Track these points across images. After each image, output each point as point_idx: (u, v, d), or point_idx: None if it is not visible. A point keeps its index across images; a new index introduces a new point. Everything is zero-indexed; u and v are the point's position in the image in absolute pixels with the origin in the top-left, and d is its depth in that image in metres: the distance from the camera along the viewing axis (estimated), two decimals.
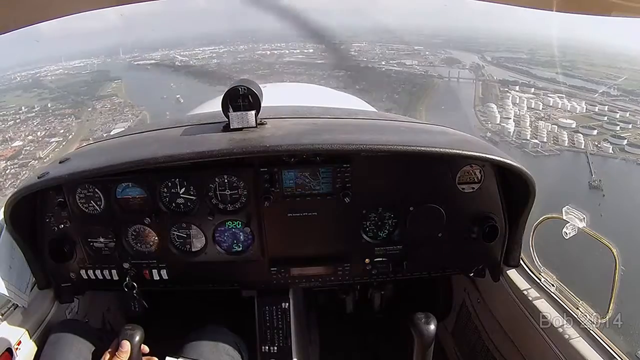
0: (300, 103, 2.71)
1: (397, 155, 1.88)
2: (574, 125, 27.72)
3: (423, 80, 37.98)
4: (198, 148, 1.71)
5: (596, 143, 26.17)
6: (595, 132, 26.99)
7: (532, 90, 33.05)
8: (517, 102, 31.02)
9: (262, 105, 1.80)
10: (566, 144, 26.53)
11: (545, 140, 26.82)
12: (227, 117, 1.80)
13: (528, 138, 27.05)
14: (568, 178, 21.99)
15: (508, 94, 32.77)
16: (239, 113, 1.79)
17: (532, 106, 30.41)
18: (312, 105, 2.60)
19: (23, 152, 27.25)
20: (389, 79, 38.59)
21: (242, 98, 1.77)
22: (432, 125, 2.27)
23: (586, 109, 29.42)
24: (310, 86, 5.27)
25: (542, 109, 30.24)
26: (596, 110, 29.05)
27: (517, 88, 33.74)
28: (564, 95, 30.82)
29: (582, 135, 26.42)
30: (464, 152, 1.79)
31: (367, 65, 41.36)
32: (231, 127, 1.81)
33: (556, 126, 27.75)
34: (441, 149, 1.76)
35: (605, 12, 1.19)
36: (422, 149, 1.76)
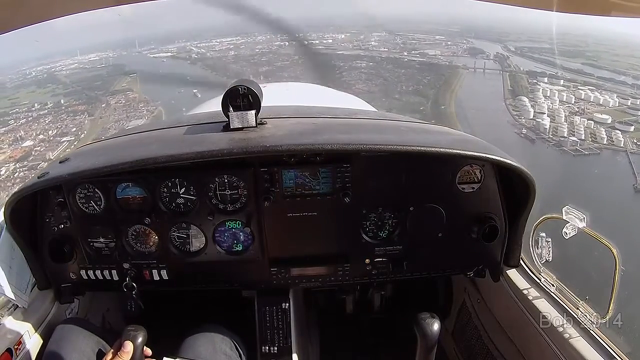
0: (300, 103, 2.71)
1: (397, 155, 1.88)
2: (609, 121, 26.45)
3: (448, 71, 36.67)
4: (198, 148, 1.71)
5: (635, 141, 24.96)
6: (632, 128, 25.74)
7: (561, 82, 31.64)
8: (548, 94, 29.71)
9: (262, 105, 1.80)
10: (605, 142, 25.24)
11: (583, 137, 25.60)
12: (227, 116, 1.80)
13: (565, 135, 25.81)
14: (611, 180, 20.60)
15: (538, 86, 31.40)
16: (239, 113, 1.79)
17: (564, 99, 29.07)
18: (312, 105, 2.60)
19: (33, 153, 26.68)
20: (412, 70, 37.61)
21: (242, 98, 1.76)
22: (432, 125, 2.27)
23: (619, 102, 28.08)
24: (311, 86, 5.26)
25: (575, 102, 28.87)
26: (629, 104, 27.78)
27: (545, 80, 32.35)
28: (594, 88, 29.24)
29: (620, 132, 25.20)
30: (463, 152, 1.79)
31: (389, 56, 40.53)
32: (231, 127, 1.81)
33: (592, 122, 26.43)
34: (441, 149, 1.76)
35: (605, 13, 1.19)
36: (422, 148, 1.76)
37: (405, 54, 40.50)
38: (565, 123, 26.78)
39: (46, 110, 31.50)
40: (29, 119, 30.46)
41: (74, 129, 29.71)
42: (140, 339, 1.54)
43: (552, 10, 1.27)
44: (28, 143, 27.74)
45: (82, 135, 28.69)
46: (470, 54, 39.19)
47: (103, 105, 33.25)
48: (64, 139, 28.45)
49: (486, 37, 41.71)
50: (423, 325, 1.53)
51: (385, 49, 42.06)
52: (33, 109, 31.36)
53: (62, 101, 32.79)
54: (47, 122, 30.26)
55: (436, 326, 1.53)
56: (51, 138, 28.58)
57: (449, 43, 41.71)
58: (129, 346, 1.52)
